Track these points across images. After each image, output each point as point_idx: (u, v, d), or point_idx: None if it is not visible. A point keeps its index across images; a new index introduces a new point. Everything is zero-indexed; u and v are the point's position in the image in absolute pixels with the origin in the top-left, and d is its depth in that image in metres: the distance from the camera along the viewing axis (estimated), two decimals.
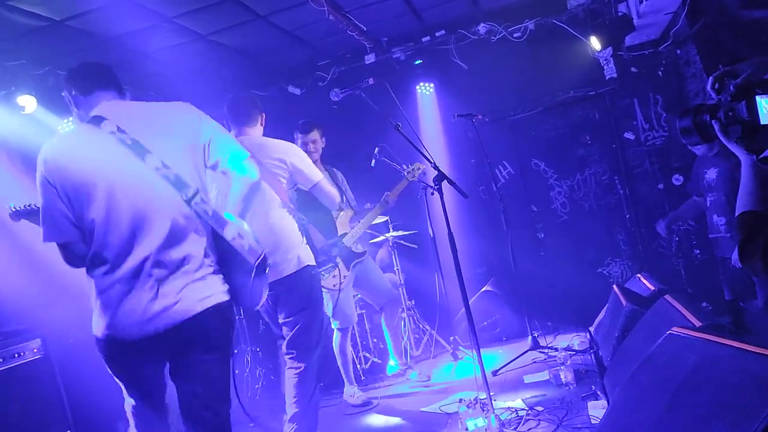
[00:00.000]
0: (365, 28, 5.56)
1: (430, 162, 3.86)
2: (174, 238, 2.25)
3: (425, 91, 6.48)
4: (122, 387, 2.39)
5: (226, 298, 2.35)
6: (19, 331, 3.86)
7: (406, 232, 5.67)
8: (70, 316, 3.98)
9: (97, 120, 2.29)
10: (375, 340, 5.44)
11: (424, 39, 6.08)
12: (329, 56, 6.33)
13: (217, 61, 5.68)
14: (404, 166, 4.67)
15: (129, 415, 2.43)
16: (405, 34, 6.04)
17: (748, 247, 1.56)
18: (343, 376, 4.76)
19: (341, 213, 4.64)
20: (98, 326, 2.25)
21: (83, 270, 2.34)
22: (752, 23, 4.08)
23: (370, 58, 6.17)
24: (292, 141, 4.60)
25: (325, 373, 5.13)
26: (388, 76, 6.04)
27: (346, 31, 5.41)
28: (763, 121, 1.55)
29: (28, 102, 4.69)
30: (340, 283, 4.42)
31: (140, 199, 2.23)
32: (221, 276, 2.37)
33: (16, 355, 3.71)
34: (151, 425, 2.39)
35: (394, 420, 4.19)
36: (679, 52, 5.65)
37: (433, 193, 3.75)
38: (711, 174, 4.22)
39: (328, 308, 4.49)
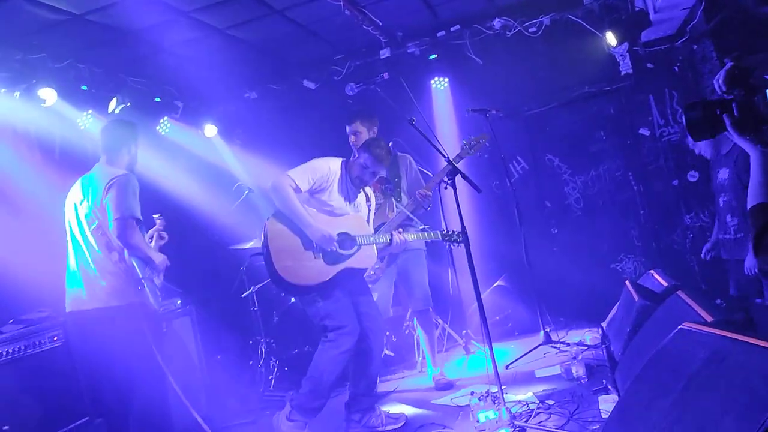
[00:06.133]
0: (380, 23, 5.57)
1: (444, 156, 3.88)
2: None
3: (440, 86, 6.48)
4: None
5: None
6: (39, 319, 3.91)
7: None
8: None
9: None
10: (388, 332, 5.47)
11: (438, 34, 6.08)
12: (344, 51, 6.35)
13: (233, 55, 5.72)
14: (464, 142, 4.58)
15: None
16: (420, 29, 6.04)
17: (764, 239, 1.51)
18: None
19: (384, 202, 4.63)
20: None
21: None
22: None
23: (385, 53, 6.18)
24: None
25: None
26: (402, 70, 6.07)
27: (361, 25, 5.43)
28: None
29: (48, 95, 4.76)
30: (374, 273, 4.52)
31: None
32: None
33: (37, 343, 3.77)
34: None
35: (407, 411, 4.22)
36: (695, 47, 5.62)
37: (446, 188, 3.77)
38: (723, 174, 4.08)
39: None
